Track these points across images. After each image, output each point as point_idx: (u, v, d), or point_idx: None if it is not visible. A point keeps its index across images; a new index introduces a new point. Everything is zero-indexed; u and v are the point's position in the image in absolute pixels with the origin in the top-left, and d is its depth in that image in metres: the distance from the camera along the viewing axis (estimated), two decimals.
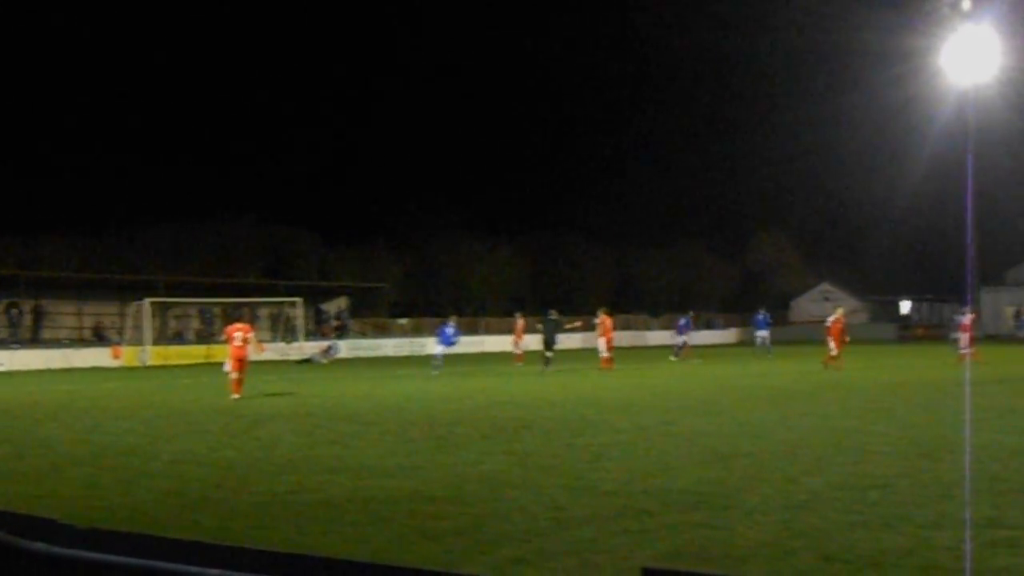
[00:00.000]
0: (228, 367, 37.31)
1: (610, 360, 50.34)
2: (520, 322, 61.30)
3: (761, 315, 71.75)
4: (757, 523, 12.91)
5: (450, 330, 52.89)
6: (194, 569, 3.10)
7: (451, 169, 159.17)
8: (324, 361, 70.41)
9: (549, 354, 50.98)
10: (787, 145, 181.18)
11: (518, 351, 59.31)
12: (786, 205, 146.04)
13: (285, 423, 26.83)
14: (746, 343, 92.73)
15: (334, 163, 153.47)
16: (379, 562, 3.17)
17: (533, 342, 60.07)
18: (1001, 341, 79.98)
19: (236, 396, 35.79)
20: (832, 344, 47.35)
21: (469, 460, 18.98)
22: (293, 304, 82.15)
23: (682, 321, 67.58)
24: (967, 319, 50.19)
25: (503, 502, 14.67)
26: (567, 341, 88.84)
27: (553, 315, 54.91)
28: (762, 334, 70.04)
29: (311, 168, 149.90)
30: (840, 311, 50.27)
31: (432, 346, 59.51)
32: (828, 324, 48.85)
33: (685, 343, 65.60)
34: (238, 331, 37.86)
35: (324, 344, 75.59)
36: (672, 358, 61.31)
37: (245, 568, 3.14)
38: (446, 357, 52.56)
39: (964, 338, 49.26)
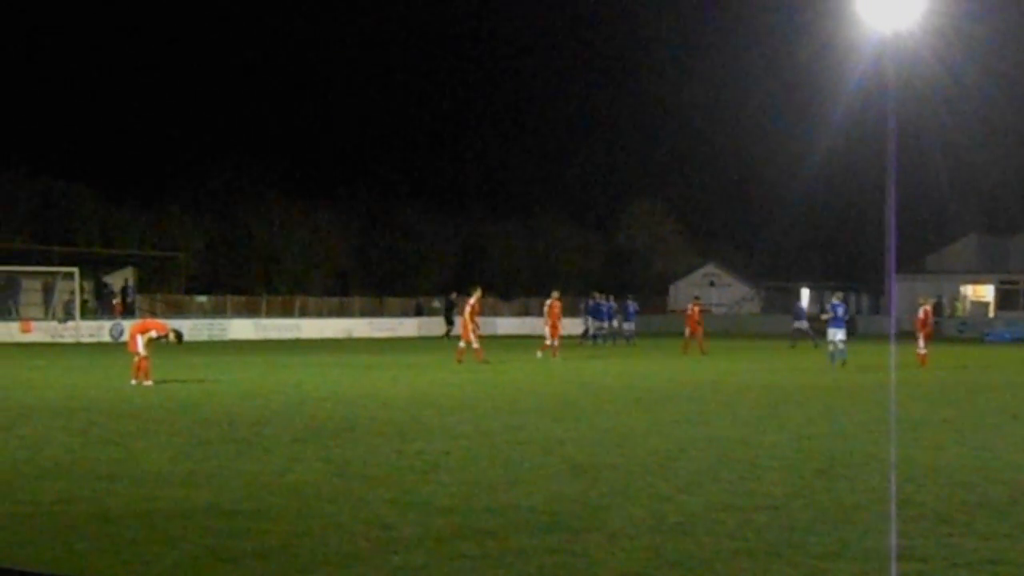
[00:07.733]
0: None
1: (480, 350, 48.98)
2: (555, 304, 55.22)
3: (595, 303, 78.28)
4: (622, 549, 12.98)
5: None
6: None
7: (260, 120, 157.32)
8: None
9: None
10: (671, 101, 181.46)
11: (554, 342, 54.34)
12: (666, 172, 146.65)
13: (55, 419, 26.38)
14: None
15: (122, 110, 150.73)
16: None
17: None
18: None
19: None
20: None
21: (277, 468, 18.86)
22: (69, 275, 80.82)
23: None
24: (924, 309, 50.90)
25: (317, 519, 14.60)
26: (400, 328, 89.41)
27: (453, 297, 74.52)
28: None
29: (94, 115, 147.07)
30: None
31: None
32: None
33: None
34: None
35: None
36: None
37: None
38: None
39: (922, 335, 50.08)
